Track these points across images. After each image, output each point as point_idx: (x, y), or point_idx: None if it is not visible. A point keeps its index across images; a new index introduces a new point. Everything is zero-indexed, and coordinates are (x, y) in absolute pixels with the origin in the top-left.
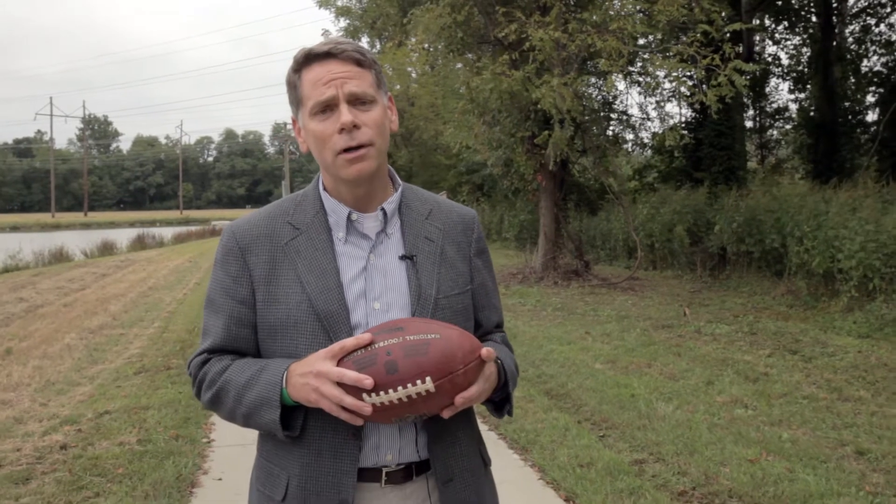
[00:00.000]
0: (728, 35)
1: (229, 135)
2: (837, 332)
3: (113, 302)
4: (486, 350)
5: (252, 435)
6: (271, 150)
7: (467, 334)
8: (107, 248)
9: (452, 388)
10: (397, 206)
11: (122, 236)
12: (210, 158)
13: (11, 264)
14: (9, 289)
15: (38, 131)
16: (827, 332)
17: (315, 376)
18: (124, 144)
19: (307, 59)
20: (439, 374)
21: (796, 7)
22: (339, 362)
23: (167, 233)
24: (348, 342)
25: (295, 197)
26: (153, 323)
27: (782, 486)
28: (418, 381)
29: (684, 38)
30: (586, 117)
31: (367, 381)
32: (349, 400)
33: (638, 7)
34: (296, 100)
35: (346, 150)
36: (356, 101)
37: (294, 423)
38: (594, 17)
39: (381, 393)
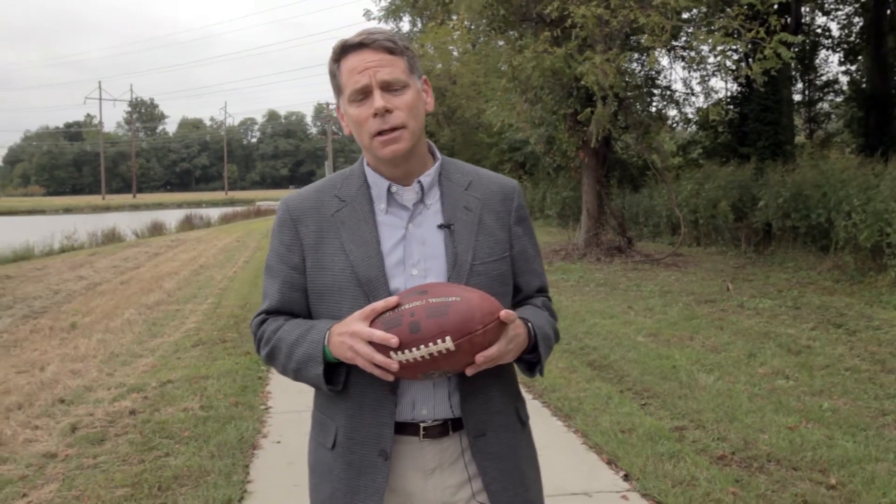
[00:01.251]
0: (774, 7)
1: (272, 116)
2: (884, 306)
3: (167, 280)
4: (505, 312)
5: (306, 402)
6: (314, 130)
7: (488, 297)
8: (156, 229)
9: (472, 348)
10: (436, 179)
11: (171, 217)
12: (254, 140)
13: (67, 245)
14: (68, 268)
15: (88, 115)
16: (873, 307)
17: (350, 335)
18: (170, 127)
19: (343, 50)
20: (458, 333)
21: None
22: (372, 323)
23: (214, 213)
24: (378, 304)
25: (343, 173)
26: (206, 299)
27: (821, 452)
28: (439, 340)
29: (729, 10)
30: (629, 93)
31: (393, 341)
32: (379, 357)
33: None
34: (337, 88)
35: (381, 132)
36: (388, 87)
37: (337, 379)
38: None
39: (406, 351)
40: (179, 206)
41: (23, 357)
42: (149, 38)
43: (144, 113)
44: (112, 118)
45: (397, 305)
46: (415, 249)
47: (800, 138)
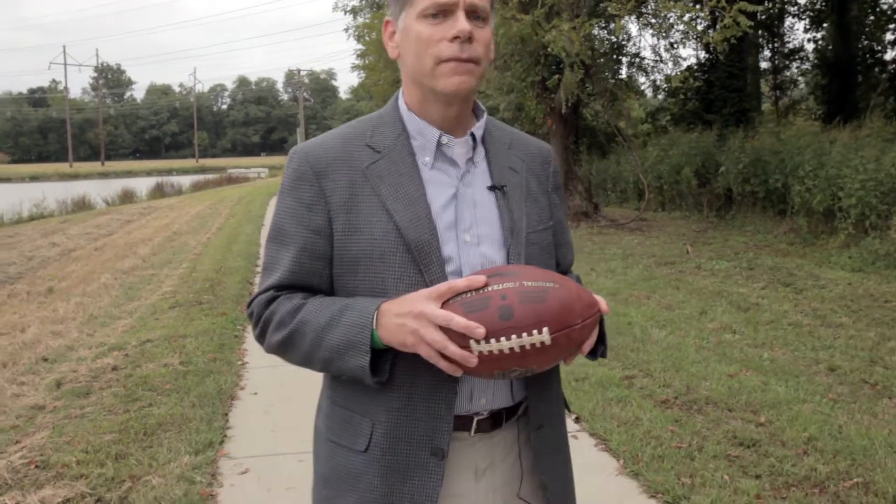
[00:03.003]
0: None
1: (242, 82)
2: (832, 266)
3: (141, 246)
4: (606, 304)
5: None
6: (285, 96)
7: (583, 288)
8: (127, 197)
9: (567, 343)
10: (482, 134)
11: (141, 185)
12: (224, 106)
13: (37, 212)
14: (40, 234)
15: (53, 80)
16: (821, 267)
17: (415, 318)
18: (138, 93)
19: None
20: (557, 325)
21: None
22: (444, 304)
23: (185, 181)
24: (459, 283)
25: (370, 119)
26: (181, 264)
27: (755, 396)
28: (534, 331)
29: None
30: (599, 60)
31: (480, 331)
32: (453, 348)
33: None
34: (406, 0)
35: (454, 59)
36: (474, 13)
37: (381, 368)
38: None
39: (493, 341)
40: (149, 173)
41: (2, 320)
42: (117, 0)
43: (111, 79)
44: (78, 84)
45: (483, 286)
46: (466, 212)
47: (767, 105)
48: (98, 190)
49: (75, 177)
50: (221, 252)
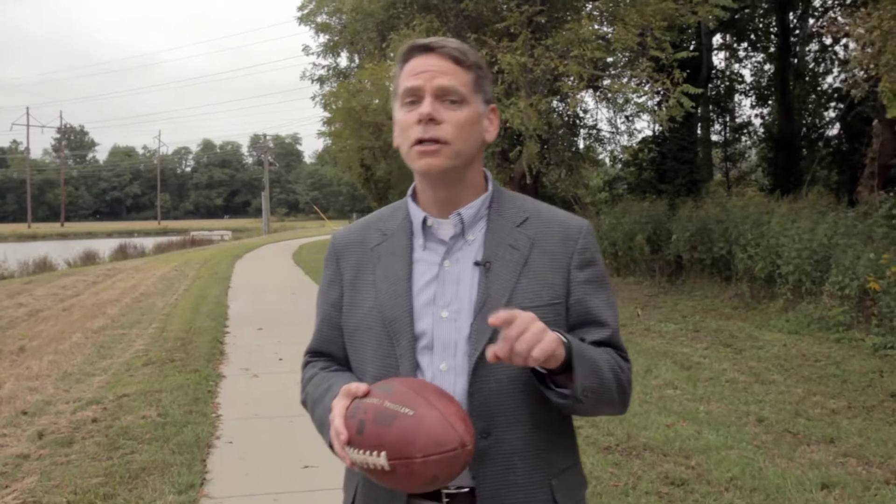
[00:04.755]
0: (676, 62)
1: (207, 145)
2: (771, 329)
3: (109, 306)
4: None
5: (254, 411)
6: (249, 160)
7: (452, 426)
8: (89, 258)
9: (409, 475)
10: (482, 212)
11: (103, 246)
12: (188, 169)
13: None
14: (6, 295)
15: (14, 141)
16: (761, 329)
17: (331, 410)
18: (101, 155)
19: (409, 52)
20: (395, 453)
21: (757, 28)
22: (351, 403)
23: (147, 243)
24: (352, 387)
25: (393, 205)
26: (151, 324)
27: (688, 443)
28: (374, 453)
29: (640, 62)
30: (559, 132)
31: (342, 436)
32: (336, 444)
33: (597, 34)
34: (395, 91)
35: (420, 141)
36: (444, 95)
37: None
38: (557, 45)
39: (352, 450)
40: (109, 235)
41: None
42: (82, 64)
43: (74, 140)
44: (40, 145)
45: (365, 395)
46: (447, 289)
47: (719, 176)
48: (59, 251)
49: (34, 237)
50: (190, 313)
